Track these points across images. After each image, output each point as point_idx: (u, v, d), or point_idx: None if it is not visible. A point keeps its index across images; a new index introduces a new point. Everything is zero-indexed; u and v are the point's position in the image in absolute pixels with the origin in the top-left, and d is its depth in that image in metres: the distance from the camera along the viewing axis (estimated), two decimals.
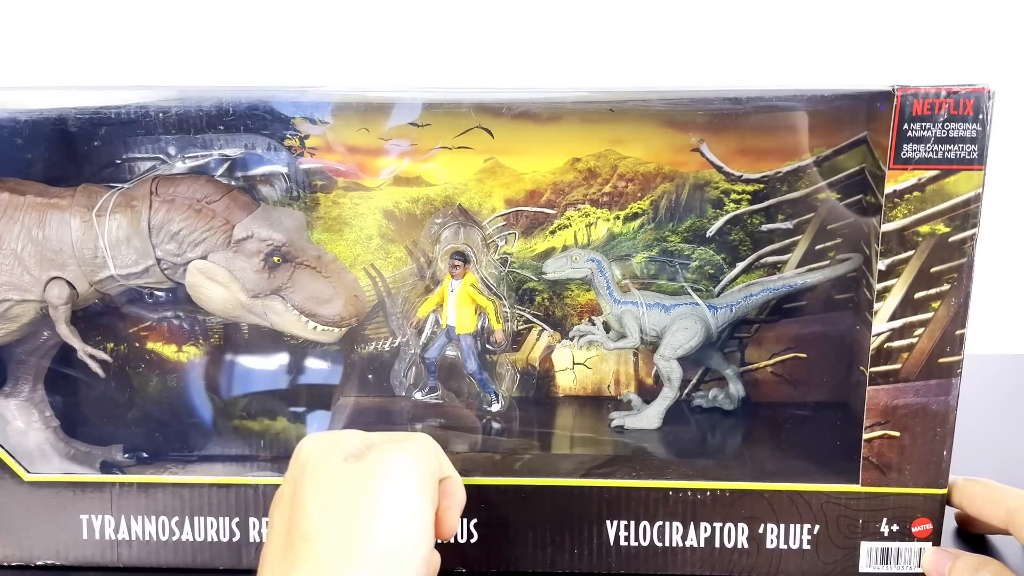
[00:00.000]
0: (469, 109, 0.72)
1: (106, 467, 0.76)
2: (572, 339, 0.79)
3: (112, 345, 0.80)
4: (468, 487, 0.65)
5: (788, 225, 0.78)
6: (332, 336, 0.71)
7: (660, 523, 0.64)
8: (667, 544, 0.65)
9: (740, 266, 0.78)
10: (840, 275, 0.75)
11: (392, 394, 0.80)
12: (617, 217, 0.78)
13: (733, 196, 0.77)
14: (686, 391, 0.80)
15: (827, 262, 0.76)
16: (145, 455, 0.79)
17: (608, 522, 0.64)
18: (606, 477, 0.65)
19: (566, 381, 0.81)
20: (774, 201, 0.77)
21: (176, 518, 0.66)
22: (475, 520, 0.65)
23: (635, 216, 0.78)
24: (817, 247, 0.78)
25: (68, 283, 0.67)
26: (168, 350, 0.80)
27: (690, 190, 0.77)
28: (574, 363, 0.81)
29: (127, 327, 0.79)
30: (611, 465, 0.67)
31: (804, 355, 0.80)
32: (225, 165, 0.75)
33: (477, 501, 0.65)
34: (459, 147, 0.77)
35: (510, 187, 0.78)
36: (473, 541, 0.65)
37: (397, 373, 0.80)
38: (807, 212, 0.77)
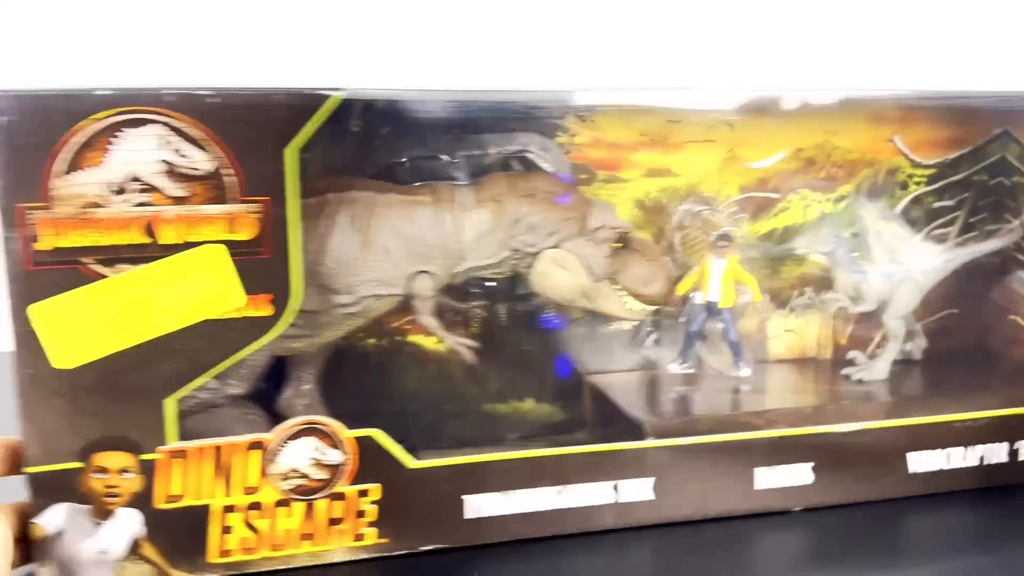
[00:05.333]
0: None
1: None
2: (789, 309, 0.90)
3: (375, 340, 0.82)
4: (796, 436, 0.75)
5: (951, 203, 0.94)
6: (642, 315, 0.77)
7: (947, 450, 0.78)
8: (951, 467, 0.78)
9: (917, 238, 0.93)
10: (1010, 243, 0.92)
11: (635, 368, 0.88)
12: (828, 199, 0.90)
13: (915, 179, 0.92)
14: (870, 348, 0.94)
15: (977, 232, 0.93)
16: (403, 445, 0.82)
17: (909, 454, 0.77)
18: (901, 416, 0.77)
19: (777, 347, 0.93)
20: (943, 183, 0.93)
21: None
22: (812, 464, 0.75)
23: (841, 198, 0.91)
24: (970, 220, 0.94)
25: (432, 276, 0.69)
26: (429, 342, 0.83)
27: (885, 174, 0.91)
28: (784, 330, 0.93)
29: (389, 322, 0.81)
30: (903, 407, 0.79)
31: (956, 310, 0.96)
32: (500, 162, 0.80)
33: (812, 448, 0.75)
34: (705, 140, 0.86)
35: (744, 175, 0.88)
36: (810, 483, 0.75)
37: (639, 348, 0.88)
38: (964, 192, 0.94)
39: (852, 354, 0.91)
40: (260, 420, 0.74)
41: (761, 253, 0.89)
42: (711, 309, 0.85)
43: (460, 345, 0.73)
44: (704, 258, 0.85)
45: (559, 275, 0.72)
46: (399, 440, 0.81)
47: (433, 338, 0.83)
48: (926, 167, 0.92)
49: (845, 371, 0.88)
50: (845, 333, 0.94)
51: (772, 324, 0.92)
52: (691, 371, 0.87)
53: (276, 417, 0.76)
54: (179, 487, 0.64)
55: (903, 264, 0.88)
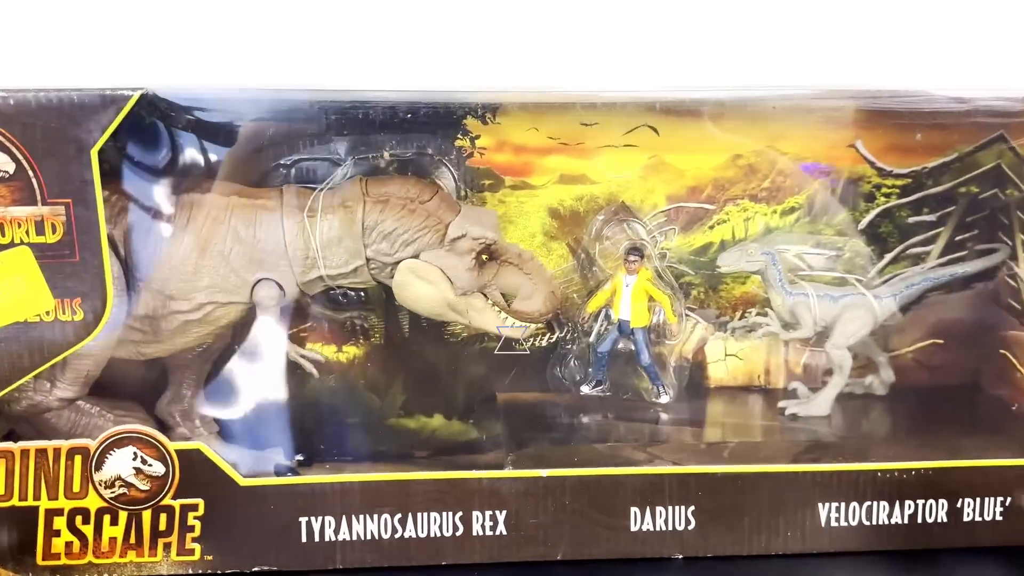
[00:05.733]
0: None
1: (280, 471, 0.76)
2: (730, 332, 0.81)
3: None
4: (679, 475, 0.67)
5: (932, 218, 0.82)
6: (524, 332, 0.71)
7: (868, 503, 0.67)
8: (873, 523, 0.68)
9: (888, 257, 0.82)
10: (992, 265, 0.79)
11: (551, 389, 0.82)
12: (774, 211, 0.81)
13: (884, 190, 0.81)
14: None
15: (966, 252, 0.81)
16: (301, 457, 0.79)
17: (820, 504, 0.67)
18: (814, 462, 0.68)
19: (718, 372, 0.84)
20: (920, 195, 0.81)
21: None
22: (692, 507, 0.67)
23: (791, 210, 0.81)
24: (957, 238, 0.82)
25: (277, 284, 0.67)
26: (327, 351, 0.80)
27: (844, 184, 0.81)
28: (726, 354, 0.84)
29: (284, 330, 0.78)
30: (815, 451, 0.70)
31: (941, 341, 0.84)
32: (394, 166, 0.76)
33: (695, 489, 0.67)
34: (625, 145, 0.78)
35: (672, 184, 0.80)
36: (691, 528, 0.67)
37: (556, 368, 0.82)
38: (949, 205, 0.81)
39: (794, 385, 0.81)
40: (135, 423, 0.74)
41: (692, 269, 0.81)
42: (622, 328, 0.77)
43: (304, 359, 0.69)
44: (616, 274, 0.78)
45: (419, 287, 0.68)
46: (297, 451, 0.80)
47: (332, 347, 0.81)
48: (898, 177, 0.81)
49: (781, 404, 0.79)
50: (800, 361, 0.84)
51: (711, 347, 0.83)
52: (605, 394, 0.80)
53: (157, 422, 0.76)
54: (2, 487, 0.64)
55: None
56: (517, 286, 0.69)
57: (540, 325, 0.72)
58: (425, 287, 0.67)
